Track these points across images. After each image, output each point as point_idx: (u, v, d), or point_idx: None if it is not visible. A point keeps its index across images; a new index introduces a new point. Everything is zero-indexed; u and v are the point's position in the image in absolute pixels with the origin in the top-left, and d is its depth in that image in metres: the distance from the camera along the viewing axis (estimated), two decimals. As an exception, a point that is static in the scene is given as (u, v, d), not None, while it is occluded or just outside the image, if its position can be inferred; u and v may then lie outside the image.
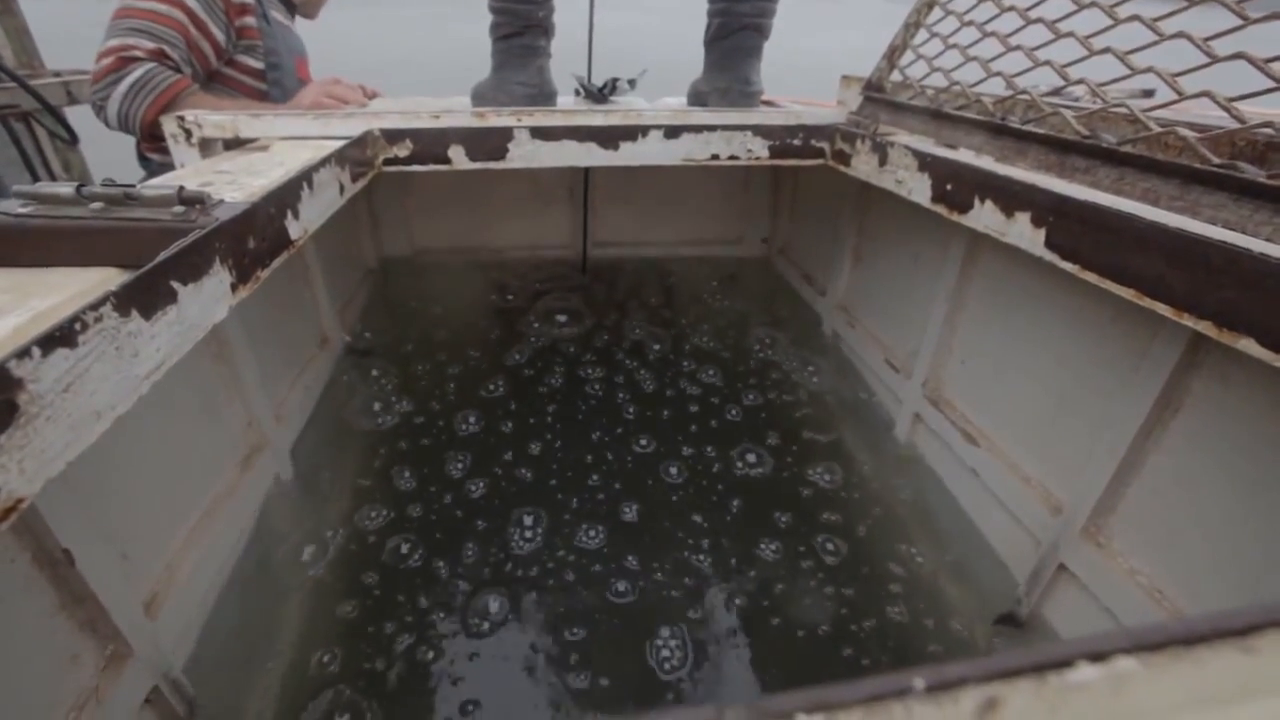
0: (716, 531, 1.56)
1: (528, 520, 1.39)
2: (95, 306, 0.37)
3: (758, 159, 1.10)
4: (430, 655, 1.38)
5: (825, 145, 1.15)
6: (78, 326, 0.36)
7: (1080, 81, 0.72)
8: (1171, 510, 0.79)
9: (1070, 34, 0.73)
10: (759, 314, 2.11)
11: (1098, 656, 0.16)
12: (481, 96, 1.41)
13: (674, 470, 1.53)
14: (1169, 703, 0.17)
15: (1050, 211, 0.67)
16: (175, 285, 0.46)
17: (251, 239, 0.58)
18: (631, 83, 1.72)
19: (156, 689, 0.74)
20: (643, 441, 1.60)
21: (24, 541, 0.60)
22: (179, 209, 0.53)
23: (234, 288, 0.54)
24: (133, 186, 0.55)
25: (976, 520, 1.15)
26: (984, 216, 0.76)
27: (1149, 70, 0.62)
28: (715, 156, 1.08)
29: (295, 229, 0.70)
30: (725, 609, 1.29)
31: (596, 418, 1.69)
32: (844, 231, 1.54)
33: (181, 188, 0.53)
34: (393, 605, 1.51)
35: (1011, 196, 0.72)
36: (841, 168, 1.12)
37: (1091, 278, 0.62)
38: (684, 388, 2.14)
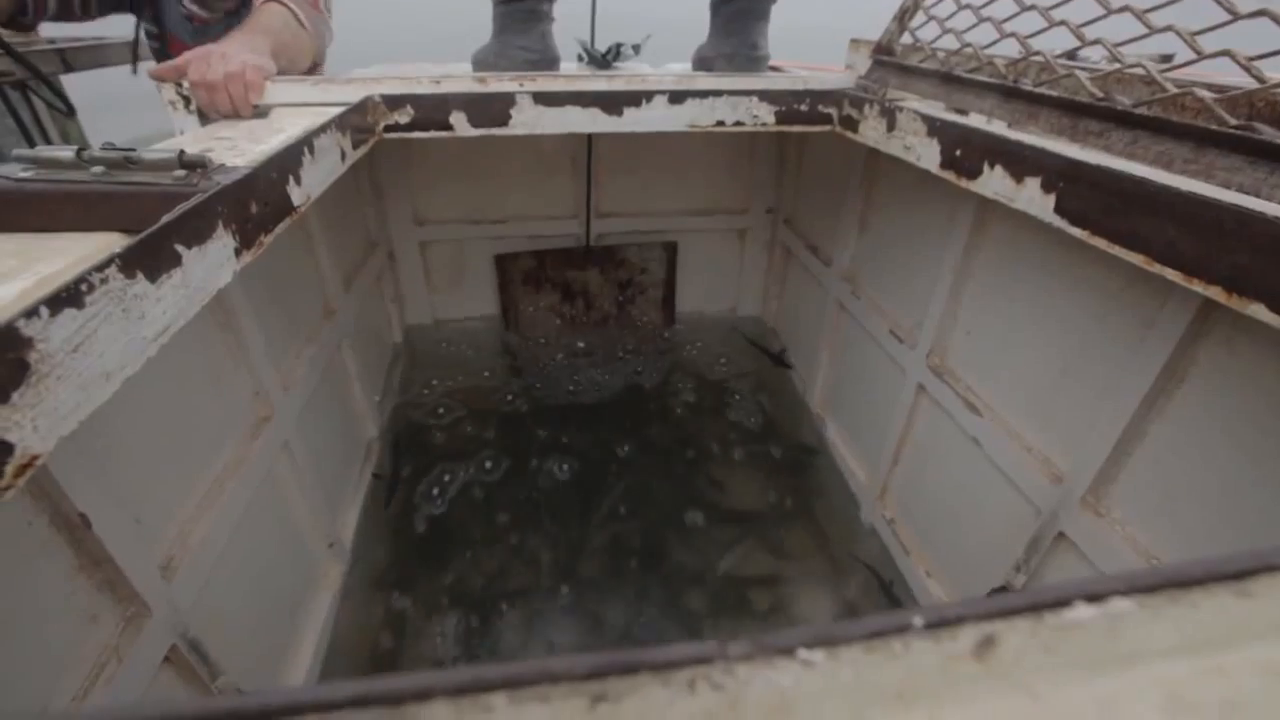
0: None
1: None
2: (101, 268, 0.37)
3: (764, 125, 1.08)
4: (438, 627, 1.41)
5: (833, 111, 1.13)
6: (84, 288, 0.36)
7: (1096, 42, 0.70)
8: (1173, 479, 0.79)
9: (1087, -8, 0.71)
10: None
11: (1095, 597, 0.16)
12: (483, 62, 1.39)
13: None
14: (1164, 643, 0.17)
15: (1061, 176, 0.66)
16: (179, 249, 0.46)
17: (254, 204, 0.58)
18: (636, 48, 1.68)
19: (175, 648, 0.76)
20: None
21: (41, 505, 0.61)
22: (180, 173, 0.52)
23: (238, 252, 0.54)
24: (133, 150, 0.54)
25: (977, 490, 1.16)
26: (993, 182, 0.75)
27: (1168, 29, 0.60)
28: (720, 123, 1.06)
29: (298, 195, 0.69)
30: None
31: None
32: (850, 201, 1.52)
33: (182, 151, 0.52)
34: (402, 567, 1.55)
35: (1021, 161, 0.71)
36: (849, 134, 1.10)
37: (1101, 243, 0.61)
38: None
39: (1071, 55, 0.77)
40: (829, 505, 1.69)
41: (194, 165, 0.53)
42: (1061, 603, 0.16)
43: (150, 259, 0.43)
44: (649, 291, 2.15)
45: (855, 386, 1.65)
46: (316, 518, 1.22)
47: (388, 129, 1.04)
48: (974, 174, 0.76)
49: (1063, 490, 0.94)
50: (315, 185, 0.75)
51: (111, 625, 0.69)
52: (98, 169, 0.53)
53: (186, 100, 0.99)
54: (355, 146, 0.93)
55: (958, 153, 0.79)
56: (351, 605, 1.33)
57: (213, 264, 0.50)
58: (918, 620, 0.15)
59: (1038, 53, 0.81)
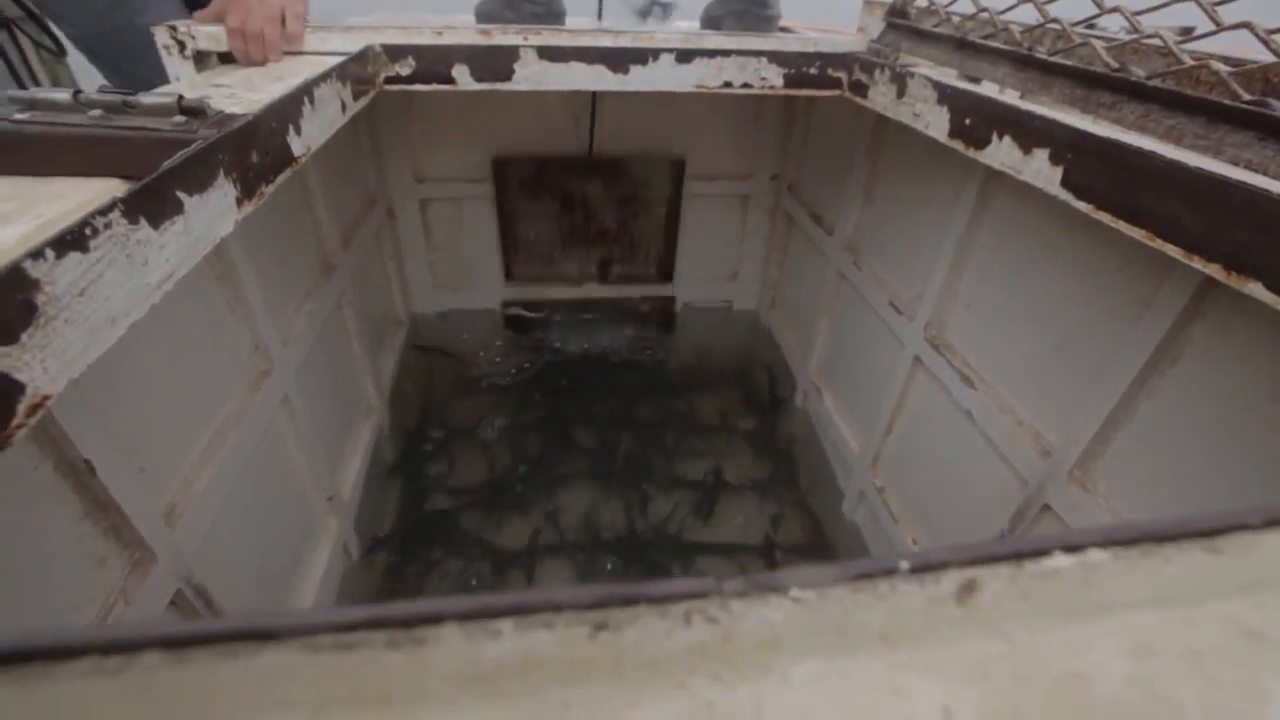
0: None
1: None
2: (104, 212, 0.37)
3: (772, 88, 1.05)
4: (442, 580, 1.45)
5: (843, 75, 1.10)
6: (88, 231, 0.36)
7: (1115, 10, 0.69)
8: (1161, 457, 0.81)
9: (1110, -43, 0.69)
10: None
11: (1072, 548, 0.17)
12: (487, 14, 1.35)
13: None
14: (1136, 595, 0.18)
15: (1069, 148, 0.65)
16: (181, 196, 0.45)
17: (255, 153, 0.57)
18: (665, 7, 1.62)
19: (180, 593, 0.78)
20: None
21: (45, 451, 0.62)
22: (179, 119, 0.52)
23: (239, 202, 0.54)
24: (131, 94, 0.53)
25: (966, 462, 1.18)
26: (1001, 153, 0.74)
27: (1188, -3, 0.59)
28: (728, 84, 1.04)
29: (298, 145, 0.68)
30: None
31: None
32: (856, 169, 1.50)
33: (181, 97, 0.51)
34: (397, 514, 1.58)
35: (1031, 132, 0.70)
36: (858, 99, 1.08)
37: (1105, 218, 0.61)
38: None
39: (1089, 23, 0.76)
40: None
41: (193, 111, 0.53)
42: (1041, 551, 0.17)
43: (153, 205, 0.42)
44: (653, 210, 2.02)
45: (852, 356, 1.66)
46: (316, 471, 1.23)
47: (388, 80, 1.02)
48: (982, 144, 0.75)
49: (1051, 464, 0.96)
50: (315, 136, 0.74)
51: (118, 569, 0.71)
52: (95, 112, 0.52)
53: (181, 45, 0.97)
54: (356, 98, 0.91)
55: (967, 121, 0.78)
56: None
57: (214, 212, 0.50)
58: (904, 564, 0.16)
59: (1054, 20, 0.79)
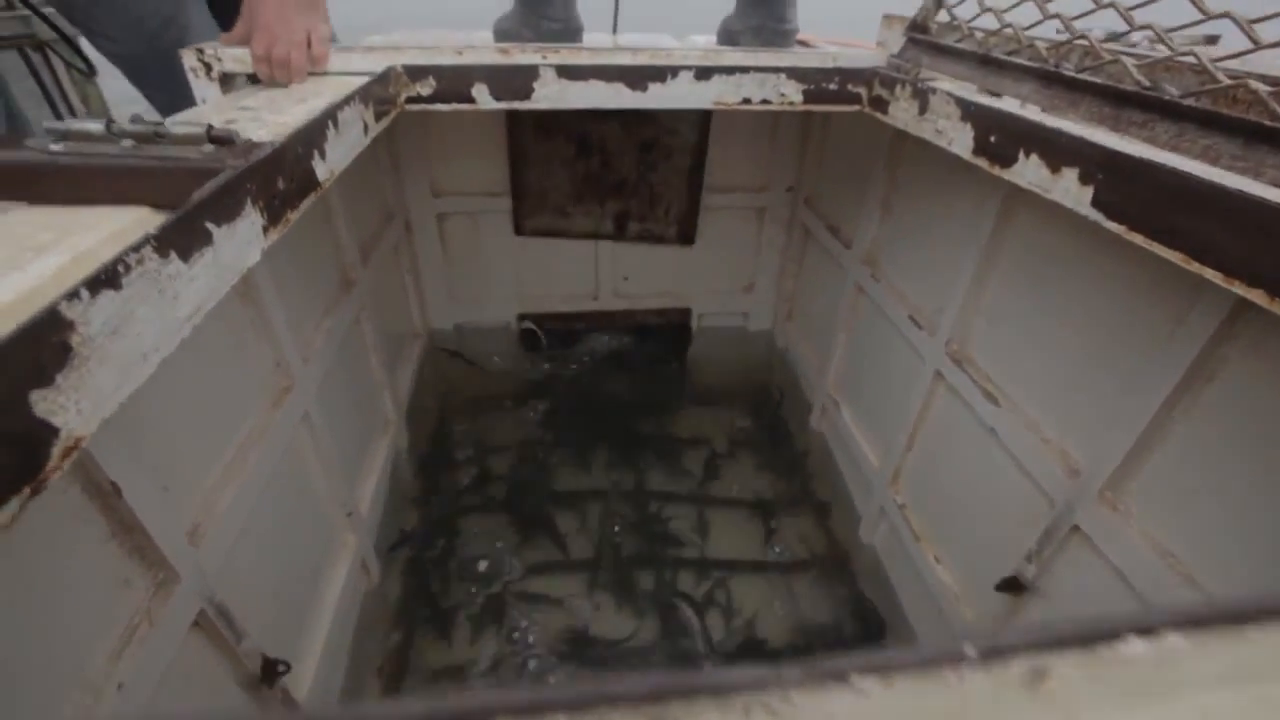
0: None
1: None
2: (137, 249, 0.38)
3: (791, 104, 1.05)
4: (459, 603, 1.45)
5: (862, 91, 1.10)
6: (121, 269, 0.36)
7: (1146, 27, 0.67)
8: (1195, 477, 0.79)
9: (1139, -28, 0.68)
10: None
11: (1146, 630, 0.16)
12: (505, 32, 1.36)
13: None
14: (1214, 677, 0.17)
15: (1100, 168, 0.64)
16: (210, 227, 0.46)
17: (281, 180, 0.58)
18: None
19: (203, 613, 0.79)
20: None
21: (74, 474, 0.62)
22: (209, 148, 0.52)
23: (265, 230, 0.54)
24: (160, 124, 0.54)
25: (990, 480, 1.16)
26: (1028, 171, 0.73)
27: (1225, 15, 0.57)
28: (747, 101, 1.04)
29: (322, 170, 0.69)
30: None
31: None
32: (874, 182, 1.49)
33: (210, 126, 0.52)
34: (418, 518, 1.58)
35: (1059, 151, 0.69)
36: (879, 115, 1.07)
37: (1139, 239, 0.60)
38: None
39: (1118, 40, 0.74)
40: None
41: (222, 140, 0.53)
42: (1113, 635, 0.16)
43: (183, 238, 0.43)
44: (674, 158, 1.84)
45: (871, 370, 1.64)
46: (335, 487, 1.24)
47: (409, 100, 1.03)
48: (1008, 161, 0.74)
49: (1079, 483, 0.94)
50: (339, 159, 0.75)
51: (143, 590, 0.72)
52: (127, 143, 0.53)
53: (208, 67, 0.98)
54: (378, 119, 0.92)
55: (992, 138, 0.77)
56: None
57: (242, 242, 0.51)
58: (971, 650, 0.16)
59: (1082, 36, 0.78)
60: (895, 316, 1.45)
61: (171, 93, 1.31)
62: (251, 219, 0.52)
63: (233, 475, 0.89)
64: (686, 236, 1.99)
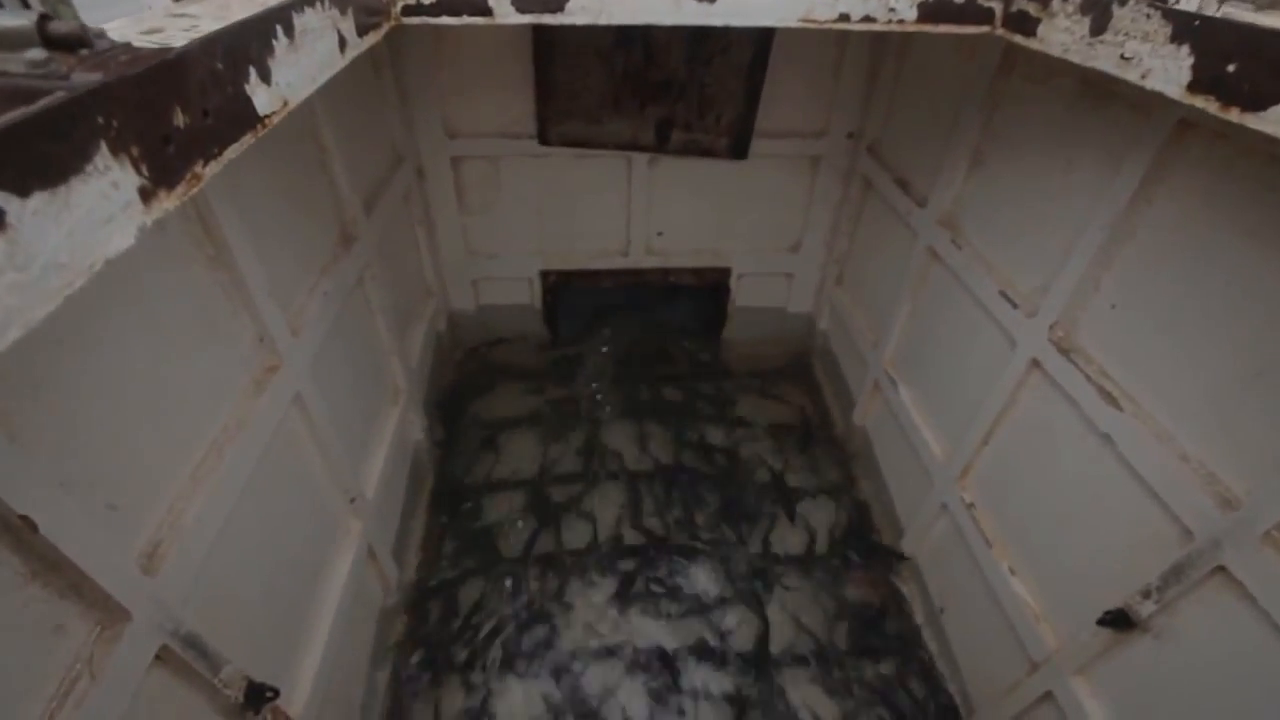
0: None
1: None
2: None
3: (900, 22, 0.81)
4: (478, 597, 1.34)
5: (997, 5, 0.85)
6: None
7: None
8: None
9: None
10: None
11: None
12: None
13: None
14: None
15: None
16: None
17: (179, 112, 0.39)
18: None
19: (166, 649, 0.66)
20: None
21: None
22: (37, 54, 0.32)
23: (146, 193, 0.35)
24: None
25: (1099, 494, 0.98)
26: None
27: None
28: (844, 17, 0.80)
29: (265, 98, 0.49)
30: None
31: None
32: (963, 128, 1.25)
33: (44, 16, 0.32)
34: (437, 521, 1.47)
35: None
36: (1017, 38, 0.83)
37: None
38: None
39: None
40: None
41: (66, 43, 0.33)
42: None
43: None
44: (733, 53, 1.49)
45: (940, 349, 1.44)
46: (335, 473, 1.10)
47: (406, 10, 0.81)
48: (1258, 104, 0.52)
49: (1235, 517, 0.76)
50: (299, 84, 0.56)
51: (82, 634, 0.58)
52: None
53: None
54: (362, 33, 0.71)
55: (1230, 68, 0.54)
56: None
57: (89, 218, 0.31)
58: None
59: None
60: (980, 290, 1.23)
61: None
62: (110, 177, 0.32)
63: (205, 477, 0.75)
64: (740, 148, 1.68)
